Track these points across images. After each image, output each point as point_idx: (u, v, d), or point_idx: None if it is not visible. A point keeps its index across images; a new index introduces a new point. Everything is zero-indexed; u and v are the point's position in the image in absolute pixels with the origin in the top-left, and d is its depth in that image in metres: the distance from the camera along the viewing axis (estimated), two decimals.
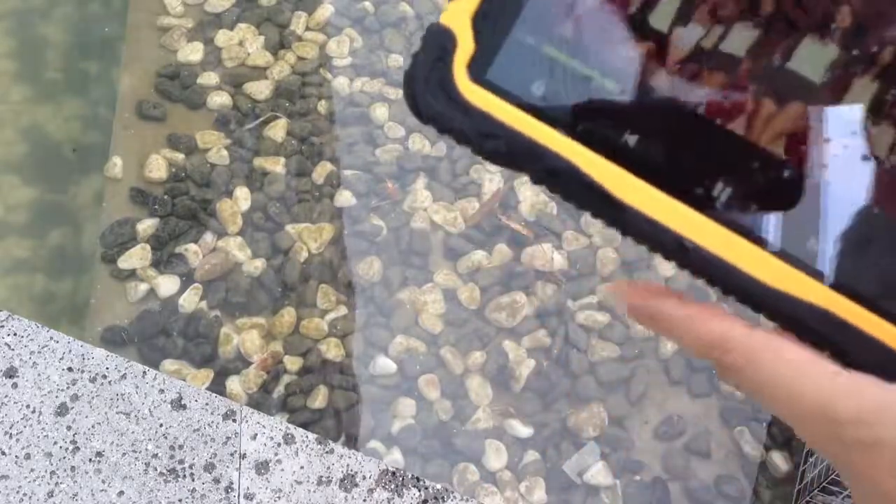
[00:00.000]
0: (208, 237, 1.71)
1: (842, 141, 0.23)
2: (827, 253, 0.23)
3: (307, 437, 1.15)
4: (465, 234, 1.77)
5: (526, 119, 0.23)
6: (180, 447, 1.12)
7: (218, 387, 1.55)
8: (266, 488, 1.11)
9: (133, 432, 1.12)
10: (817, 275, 0.23)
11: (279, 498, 1.11)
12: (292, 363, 1.61)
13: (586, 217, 1.81)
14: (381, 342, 1.64)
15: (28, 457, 1.09)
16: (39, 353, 1.15)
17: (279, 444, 1.14)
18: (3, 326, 1.16)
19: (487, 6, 0.23)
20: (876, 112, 0.23)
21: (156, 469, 1.10)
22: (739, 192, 0.23)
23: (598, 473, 1.55)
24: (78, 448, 1.10)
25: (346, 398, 1.58)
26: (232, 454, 1.12)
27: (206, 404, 1.15)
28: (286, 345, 1.63)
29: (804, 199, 0.23)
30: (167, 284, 1.65)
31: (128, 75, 1.91)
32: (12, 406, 1.12)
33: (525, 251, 1.75)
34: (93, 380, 1.14)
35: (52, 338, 1.17)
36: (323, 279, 1.70)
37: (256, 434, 1.14)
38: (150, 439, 1.12)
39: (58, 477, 1.08)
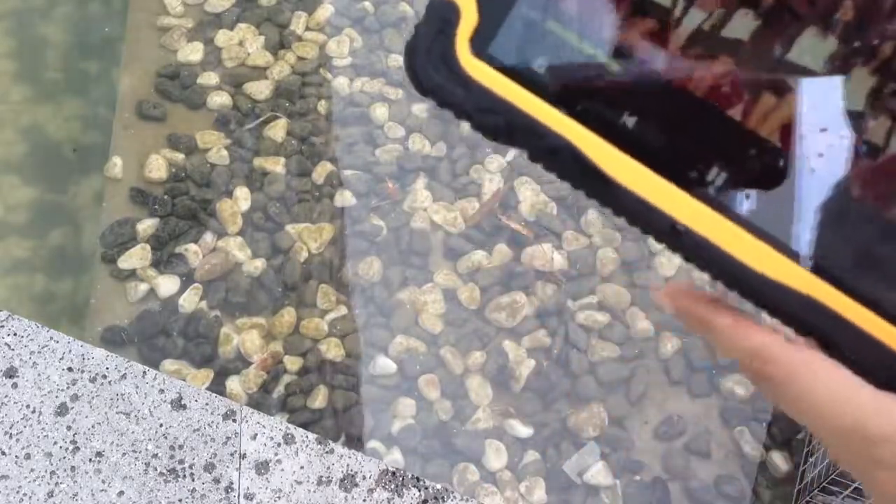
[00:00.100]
0: (208, 237, 1.71)
1: (838, 131, 0.23)
2: (818, 242, 0.23)
3: (307, 437, 1.15)
4: (465, 234, 1.77)
5: (526, 96, 0.23)
6: (180, 447, 1.12)
7: (218, 387, 1.55)
8: (266, 488, 1.11)
9: (133, 432, 1.12)
10: (807, 263, 0.23)
11: (279, 498, 1.11)
12: (292, 363, 1.61)
13: (586, 217, 1.81)
14: (381, 342, 1.64)
15: (28, 457, 1.09)
16: (39, 353, 1.15)
17: (279, 444, 1.14)
18: (3, 326, 1.16)
19: None
20: (874, 104, 0.23)
21: (156, 469, 1.10)
22: (733, 177, 0.23)
23: (598, 473, 1.55)
24: (78, 448, 1.10)
25: (346, 398, 1.58)
26: (232, 454, 1.12)
27: (206, 404, 1.15)
28: (286, 345, 1.63)
29: (798, 187, 0.23)
30: (167, 284, 1.65)
31: (128, 75, 1.91)
32: (12, 406, 1.12)
33: (525, 251, 1.75)
34: (93, 380, 1.14)
35: (52, 338, 1.17)
36: (323, 279, 1.70)
37: (256, 434, 1.14)
38: (150, 439, 1.12)
39: (58, 477, 1.08)
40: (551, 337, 1.67)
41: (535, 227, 1.79)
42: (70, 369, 1.15)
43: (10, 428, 1.10)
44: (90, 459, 1.10)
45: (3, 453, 1.09)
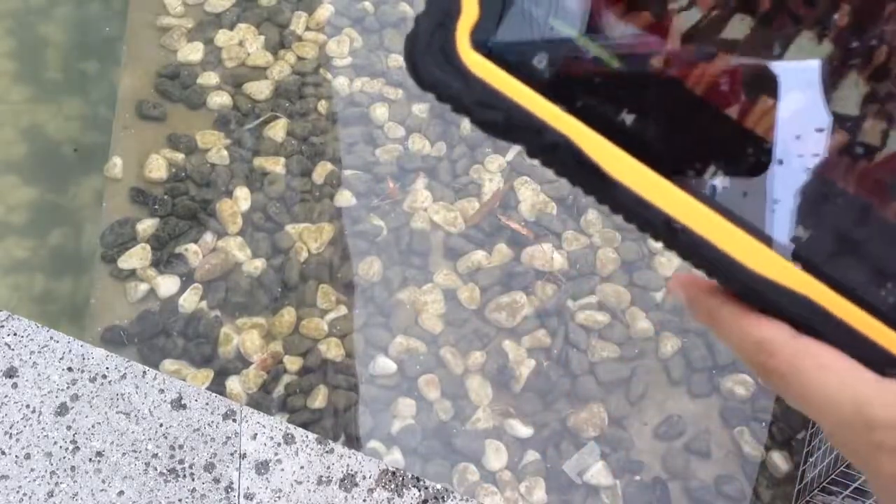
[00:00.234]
0: (208, 237, 1.71)
1: (835, 133, 0.23)
2: (813, 240, 0.23)
3: (307, 437, 1.15)
4: (465, 234, 1.77)
5: (526, 91, 0.23)
6: (180, 447, 1.12)
7: (218, 387, 1.55)
8: (266, 488, 1.11)
9: (133, 432, 1.12)
10: (801, 262, 0.23)
11: (279, 498, 1.11)
12: (292, 363, 1.61)
13: (586, 217, 1.81)
14: (381, 342, 1.64)
15: (28, 457, 1.09)
16: (39, 353, 1.15)
17: (279, 444, 1.14)
18: (3, 326, 1.16)
19: None
20: (869, 107, 0.23)
21: (156, 469, 1.10)
22: (730, 175, 0.23)
23: (598, 473, 1.55)
24: (78, 448, 1.10)
25: (346, 398, 1.58)
26: (232, 454, 1.12)
27: (206, 404, 1.15)
28: (286, 345, 1.63)
29: (795, 188, 0.23)
30: (167, 284, 1.65)
31: (128, 75, 1.91)
32: (12, 406, 1.12)
33: (525, 251, 1.75)
34: (93, 380, 1.14)
35: (52, 338, 1.17)
36: (323, 279, 1.70)
37: (256, 434, 1.14)
38: (150, 439, 1.12)
39: (58, 477, 1.08)
40: (551, 337, 1.67)
41: (535, 227, 1.79)
42: (70, 369, 1.15)
43: (10, 428, 1.10)
44: (90, 459, 1.10)
45: (3, 453, 1.09)
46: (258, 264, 1.69)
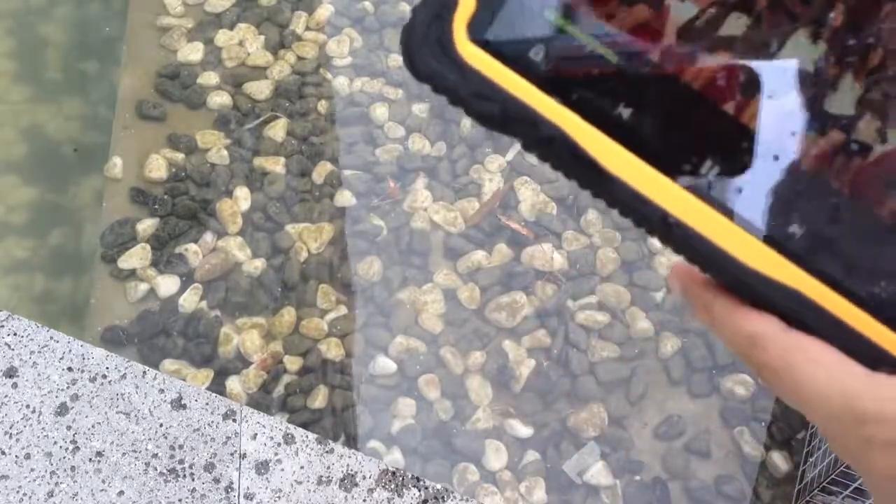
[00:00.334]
0: (208, 237, 1.71)
1: (830, 131, 0.23)
2: (807, 237, 0.23)
3: (307, 437, 1.15)
4: (465, 234, 1.77)
5: (522, 84, 0.23)
6: (180, 447, 1.12)
7: (218, 387, 1.55)
8: (266, 488, 1.11)
9: (133, 432, 1.12)
10: (796, 258, 0.23)
11: (279, 498, 1.11)
12: (292, 363, 1.61)
13: (586, 217, 1.81)
14: (381, 342, 1.64)
15: (28, 457, 1.09)
16: (39, 353, 1.15)
17: (279, 444, 1.14)
18: (3, 326, 1.16)
19: None
20: (863, 105, 0.23)
21: (156, 469, 1.10)
22: (726, 171, 0.23)
23: (598, 473, 1.55)
24: (78, 448, 1.10)
25: (346, 398, 1.58)
26: (232, 454, 1.12)
27: (206, 404, 1.15)
28: (286, 345, 1.63)
29: (790, 184, 0.23)
30: (167, 284, 1.65)
31: (128, 75, 1.91)
32: (12, 406, 1.12)
33: (525, 251, 1.75)
34: (93, 380, 1.14)
35: (52, 338, 1.17)
36: (323, 279, 1.70)
37: (256, 434, 1.14)
38: (150, 439, 1.12)
39: (58, 477, 1.08)
40: (551, 337, 1.67)
41: (535, 227, 1.79)
42: (70, 369, 1.15)
43: (10, 428, 1.10)
44: (90, 459, 1.10)
45: (3, 453, 1.09)
46: (258, 264, 1.69)
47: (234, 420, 1.15)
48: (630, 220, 0.24)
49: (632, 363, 1.67)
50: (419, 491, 1.14)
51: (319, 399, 1.57)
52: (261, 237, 1.72)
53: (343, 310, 1.67)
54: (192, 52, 1.93)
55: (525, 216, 1.80)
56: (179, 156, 1.80)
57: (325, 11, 2.02)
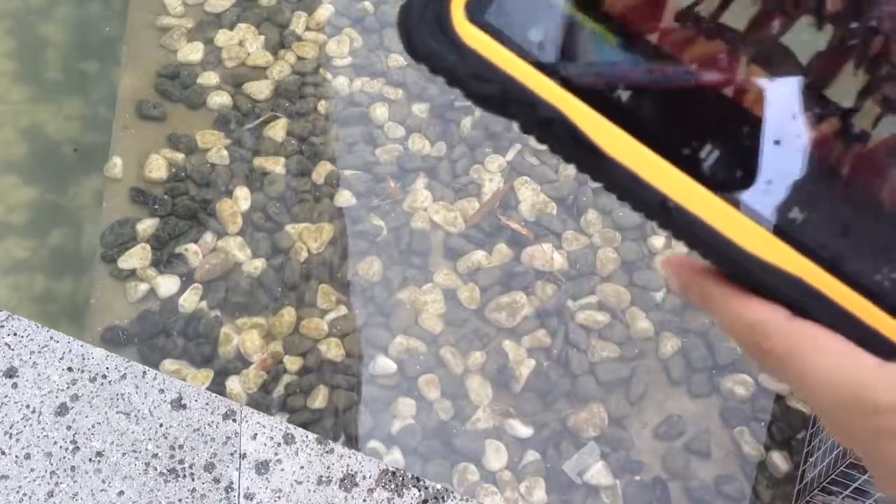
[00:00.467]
0: (208, 237, 1.71)
1: (832, 116, 0.23)
2: (808, 222, 0.23)
3: (307, 437, 1.15)
4: (465, 234, 1.77)
5: (521, 65, 0.22)
6: (180, 447, 1.12)
7: (218, 387, 1.55)
8: (266, 488, 1.11)
9: (133, 432, 1.12)
10: (797, 245, 0.23)
11: (279, 498, 1.11)
12: (292, 363, 1.61)
13: (586, 217, 1.81)
14: (381, 342, 1.64)
15: (28, 457, 1.09)
16: (39, 353, 1.15)
17: (279, 444, 1.14)
18: (3, 326, 1.16)
19: None
20: (865, 92, 0.23)
21: (156, 469, 1.10)
22: (726, 155, 0.23)
23: (598, 473, 1.55)
24: (78, 448, 1.10)
25: (346, 398, 1.58)
26: (232, 454, 1.12)
27: (206, 404, 1.15)
28: (286, 345, 1.63)
29: (791, 170, 0.23)
30: (167, 284, 1.65)
31: (128, 75, 1.91)
32: (12, 406, 1.12)
33: (525, 251, 1.75)
34: (93, 380, 1.14)
35: (52, 338, 1.17)
36: (323, 279, 1.70)
37: (256, 434, 1.14)
38: (150, 439, 1.12)
39: (58, 477, 1.08)
40: (551, 337, 1.67)
41: (535, 227, 1.79)
42: (70, 369, 1.15)
43: (10, 428, 1.10)
44: (90, 459, 1.10)
45: (3, 453, 1.09)
46: (258, 264, 1.69)
47: (234, 420, 1.15)
48: (629, 205, 0.24)
49: (632, 363, 1.67)
50: (419, 491, 1.14)
51: (319, 399, 1.57)
52: (261, 237, 1.72)
53: (343, 310, 1.67)
54: (192, 52, 1.93)
55: (525, 216, 1.80)
56: (179, 156, 1.80)
57: (325, 11, 2.02)
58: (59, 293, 1.71)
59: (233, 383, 1.57)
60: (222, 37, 1.96)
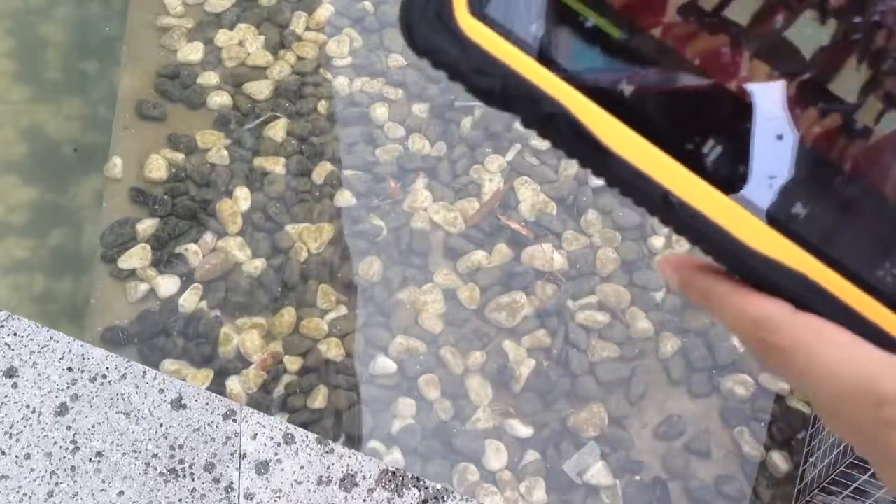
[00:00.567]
0: (208, 237, 1.71)
1: (835, 111, 0.23)
2: (811, 218, 0.23)
3: (307, 437, 1.15)
4: (465, 234, 1.77)
5: (524, 59, 0.22)
6: (180, 447, 1.12)
7: (218, 387, 1.55)
8: (266, 488, 1.11)
9: (133, 432, 1.12)
10: (800, 240, 0.23)
11: (279, 498, 1.11)
12: (292, 363, 1.61)
13: (586, 217, 1.81)
14: (381, 342, 1.64)
15: (28, 457, 1.09)
16: (39, 353, 1.15)
17: (279, 444, 1.14)
18: (3, 326, 1.16)
19: None
20: (867, 87, 0.23)
21: (156, 469, 1.10)
22: (729, 150, 0.23)
23: (598, 473, 1.55)
24: (78, 448, 1.10)
25: (346, 398, 1.58)
26: (232, 454, 1.12)
27: (206, 404, 1.15)
28: (286, 345, 1.63)
29: (793, 164, 0.23)
30: (167, 284, 1.65)
31: (128, 75, 1.91)
32: (12, 406, 1.12)
33: (525, 251, 1.75)
34: (93, 380, 1.14)
35: (52, 338, 1.16)
36: (323, 279, 1.70)
37: (256, 434, 1.14)
38: (150, 439, 1.12)
39: (58, 477, 1.08)
40: (551, 337, 1.67)
41: (535, 227, 1.79)
42: (70, 369, 1.15)
43: (10, 428, 1.10)
44: (90, 459, 1.10)
45: (3, 453, 1.09)
46: (258, 264, 1.69)
47: (234, 420, 1.15)
48: (631, 200, 0.23)
49: (632, 363, 1.67)
50: (419, 491, 1.14)
51: (319, 399, 1.57)
52: (261, 237, 1.72)
53: (343, 310, 1.67)
54: (192, 52, 1.93)
55: (525, 216, 1.80)
56: (179, 156, 1.80)
57: (325, 11, 2.02)
58: (59, 293, 1.71)
59: (233, 383, 1.57)
60: (222, 37, 1.96)
